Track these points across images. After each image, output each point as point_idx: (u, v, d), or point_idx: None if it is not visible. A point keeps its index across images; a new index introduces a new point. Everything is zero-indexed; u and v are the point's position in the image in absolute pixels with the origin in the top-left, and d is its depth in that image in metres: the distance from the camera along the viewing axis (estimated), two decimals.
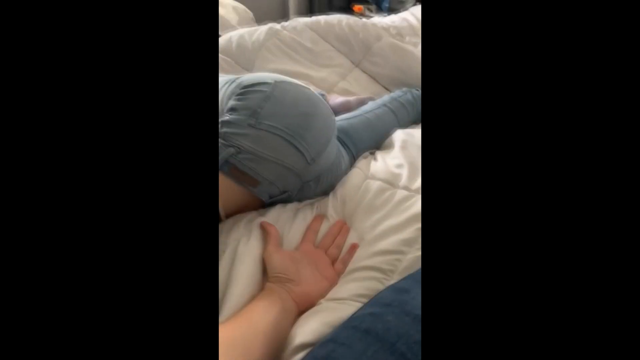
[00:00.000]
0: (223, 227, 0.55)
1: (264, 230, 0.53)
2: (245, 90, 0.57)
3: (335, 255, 0.53)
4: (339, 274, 0.50)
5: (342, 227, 0.56)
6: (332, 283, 0.49)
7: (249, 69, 1.05)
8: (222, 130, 0.55)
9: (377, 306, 0.36)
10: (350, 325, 0.36)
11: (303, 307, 0.45)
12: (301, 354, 0.39)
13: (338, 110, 0.84)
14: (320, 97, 0.64)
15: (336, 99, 0.87)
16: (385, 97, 0.88)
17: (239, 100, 0.56)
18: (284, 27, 1.11)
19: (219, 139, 0.55)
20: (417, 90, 0.94)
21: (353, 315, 0.38)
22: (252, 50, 1.05)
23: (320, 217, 0.58)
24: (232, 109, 0.56)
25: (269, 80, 0.57)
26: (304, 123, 0.56)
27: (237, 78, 0.63)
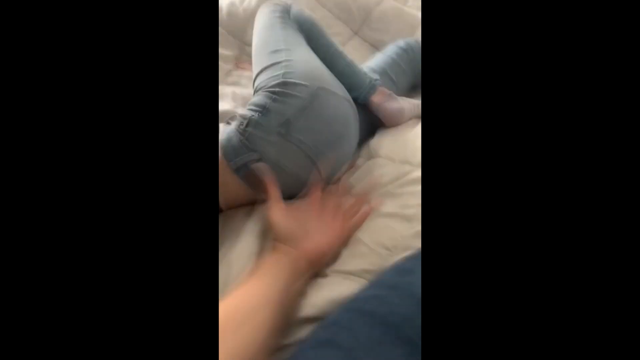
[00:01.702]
0: (221, 217, 0.53)
1: (265, 187, 0.50)
2: (282, 91, 0.52)
3: (347, 216, 0.49)
4: (348, 228, 0.48)
5: (364, 200, 0.52)
6: (341, 235, 0.46)
7: (241, 37, 0.99)
8: (247, 128, 0.50)
9: (382, 288, 0.35)
10: (354, 307, 0.34)
11: (316, 261, 0.43)
12: (305, 329, 0.39)
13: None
14: (354, 110, 0.59)
15: (389, 108, 0.71)
16: (387, 60, 0.80)
17: (273, 100, 0.51)
18: None
19: (243, 139, 0.50)
20: (417, 42, 0.84)
21: (357, 296, 0.37)
22: (243, 18, 0.99)
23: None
24: (264, 108, 0.51)
25: (309, 84, 0.53)
26: (331, 144, 0.53)
27: (279, 63, 0.56)
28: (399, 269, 0.37)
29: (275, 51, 0.59)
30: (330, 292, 0.42)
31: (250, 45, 1.00)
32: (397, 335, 0.29)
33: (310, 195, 0.50)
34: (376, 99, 0.68)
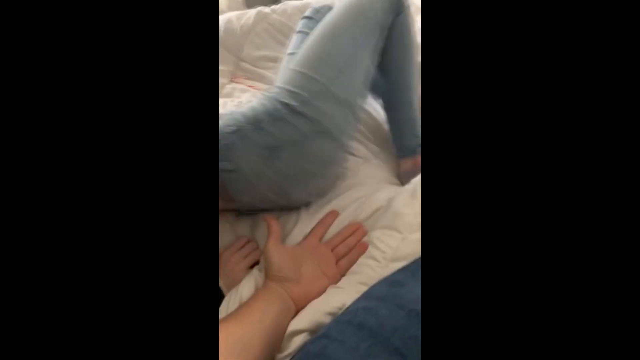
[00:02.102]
0: None
1: (266, 224, 0.51)
2: (285, 118, 0.49)
3: (342, 254, 0.50)
4: (342, 272, 0.48)
5: (357, 230, 0.52)
6: (333, 281, 0.47)
7: (237, 53, 1.01)
8: (233, 135, 0.48)
9: (371, 300, 0.35)
10: (344, 320, 0.34)
11: (301, 306, 0.44)
12: (295, 340, 0.39)
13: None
14: (345, 156, 0.56)
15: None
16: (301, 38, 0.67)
17: (272, 122, 0.48)
18: (273, 11, 1.07)
19: (223, 144, 0.48)
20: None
21: (347, 309, 0.37)
22: (240, 35, 1.01)
23: (334, 213, 0.55)
24: (258, 125, 0.49)
25: (316, 120, 0.49)
26: (308, 180, 0.52)
27: (315, 82, 0.50)
28: (390, 281, 0.38)
29: (328, 64, 0.51)
30: (319, 304, 0.43)
31: (245, 61, 1.02)
32: (385, 347, 0.29)
33: (308, 241, 0.50)
34: (405, 165, 0.64)
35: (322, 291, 0.45)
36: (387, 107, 0.66)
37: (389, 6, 0.55)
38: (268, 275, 0.46)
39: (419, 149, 0.63)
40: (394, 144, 0.67)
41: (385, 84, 0.62)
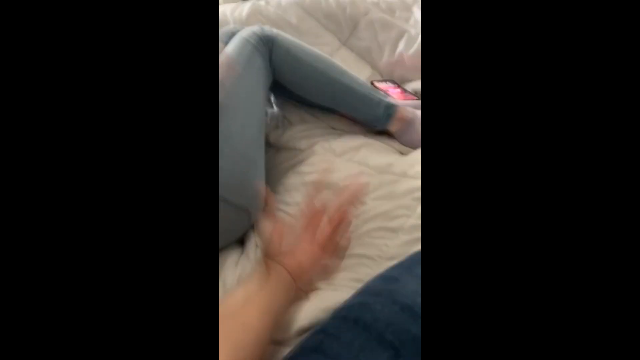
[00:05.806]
0: None
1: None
2: None
3: (337, 220, 0.48)
4: (344, 247, 0.48)
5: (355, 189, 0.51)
6: (330, 251, 0.47)
7: None
8: None
9: (367, 295, 0.36)
10: (340, 315, 0.35)
11: (298, 276, 0.44)
12: (299, 339, 0.40)
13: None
14: None
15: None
16: None
17: None
18: (267, 3, 1.06)
19: None
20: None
21: (343, 304, 0.38)
22: (233, 28, 1.00)
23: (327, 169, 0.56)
24: None
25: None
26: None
27: None
28: (385, 277, 0.39)
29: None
30: (321, 302, 0.43)
31: None
32: (379, 341, 0.30)
33: (301, 212, 0.50)
34: (393, 128, 0.67)
35: (315, 261, 0.46)
36: (332, 107, 0.67)
37: (260, 48, 0.60)
38: (262, 250, 0.47)
39: (392, 108, 0.66)
40: (368, 126, 0.69)
41: (312, 97, 0.65)
